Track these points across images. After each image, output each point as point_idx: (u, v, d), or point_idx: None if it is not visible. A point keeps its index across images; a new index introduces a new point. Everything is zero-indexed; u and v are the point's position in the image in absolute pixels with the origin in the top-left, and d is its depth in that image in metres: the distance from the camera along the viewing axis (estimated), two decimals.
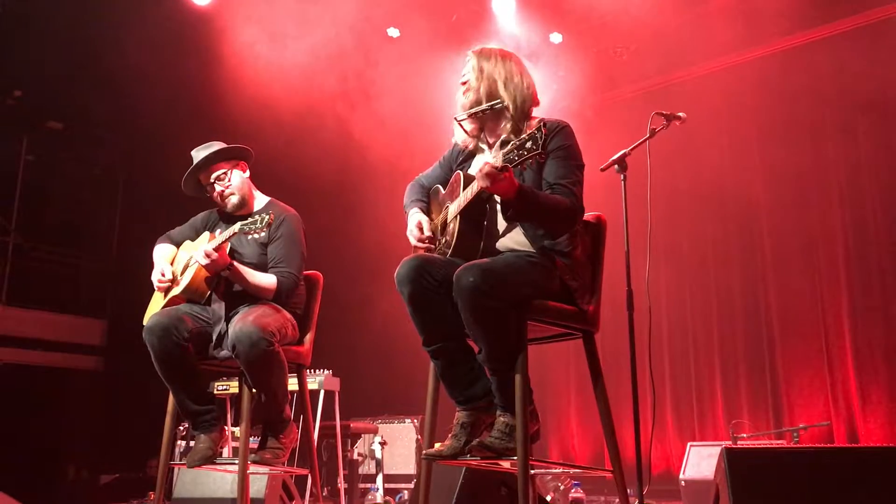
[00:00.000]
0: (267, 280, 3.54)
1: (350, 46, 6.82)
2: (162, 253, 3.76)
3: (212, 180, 3.69)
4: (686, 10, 6.29)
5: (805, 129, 6.61)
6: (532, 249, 2.74)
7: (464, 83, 2.91)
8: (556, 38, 7.14)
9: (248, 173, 3.79)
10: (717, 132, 7.02)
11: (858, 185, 6.39)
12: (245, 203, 3.73)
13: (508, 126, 2.83)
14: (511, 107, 2.80)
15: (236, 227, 3.35)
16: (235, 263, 3.47)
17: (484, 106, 2.83)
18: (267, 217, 3.30)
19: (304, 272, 3.76)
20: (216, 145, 3.71)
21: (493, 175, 2.43)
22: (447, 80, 6.93)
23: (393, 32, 7.17)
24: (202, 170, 3.69)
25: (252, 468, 3.47)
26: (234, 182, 3.70)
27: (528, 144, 2.39)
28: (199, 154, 3.69)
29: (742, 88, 6.94)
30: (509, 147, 2.43)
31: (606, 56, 7.12)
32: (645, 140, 3.98)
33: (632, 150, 3.93)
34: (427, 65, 7.06)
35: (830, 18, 6.56)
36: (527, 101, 2.84)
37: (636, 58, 6.94)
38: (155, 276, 3.66)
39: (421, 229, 2.90)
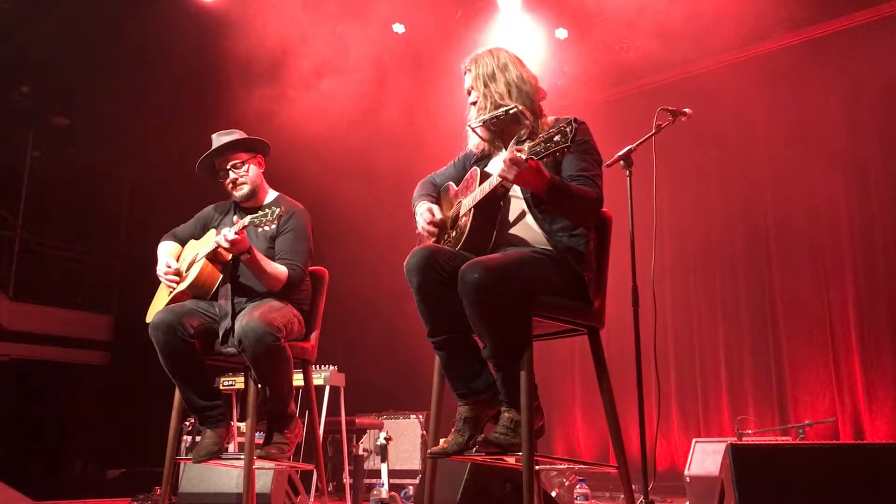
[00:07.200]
0: (280, 269, 3.57)
1: (355, 41, 6.82)
2: (166, 249, 3.79)
3: (227, 167, 3.73)
4: (691, 5, 6.26)
5: (812, 125, 6.58)
6: (541, 245, 2.73)
7: (471, 101, 2.90)
8: (561, 33, 7.12)
9: (263, 168, 3.85)
10: (724, 127, 7.00)
11: (865, 181, 6.37)
12: (255, 195, 3.77)
13: (523, 129, 2.83)
14: (524, 109, 2.79)
15: (247, 219, 3.38)
16: (254, 249, 3.49)
17: (499, 112, 2.80)
18: (277, 210, 3.34)
19: (310, 268, 3.78)
20: (238, 133, 3.76)
21: (518, 162, 2.40)
22: (452, 77, 6.95)
23: (398, 28, 7.16)
24: (221, 154, 3.73)
25: (258, 463, 3.48)
26: (249, 173, 3.75)
27: (557, 138, 2.35)
28: (220, 139, 3.74)
29: (748, 84, 6.92)
30: (537, 140, 2.40)
31: (612, 52, 7.10)
32: (650, 136, 3.96)
33: (637, 146, 3.91)
34: (432, 61, 7.06)
35: (838, 13, 6.53)
36: (534, 99, 2.84)
37: (641, 53, 6.91)
38: (160, 269, 3.68)
39: (433, 213, 2.90)
